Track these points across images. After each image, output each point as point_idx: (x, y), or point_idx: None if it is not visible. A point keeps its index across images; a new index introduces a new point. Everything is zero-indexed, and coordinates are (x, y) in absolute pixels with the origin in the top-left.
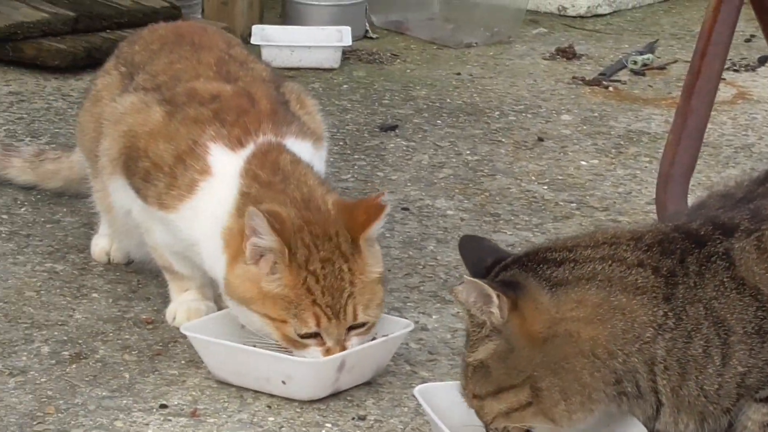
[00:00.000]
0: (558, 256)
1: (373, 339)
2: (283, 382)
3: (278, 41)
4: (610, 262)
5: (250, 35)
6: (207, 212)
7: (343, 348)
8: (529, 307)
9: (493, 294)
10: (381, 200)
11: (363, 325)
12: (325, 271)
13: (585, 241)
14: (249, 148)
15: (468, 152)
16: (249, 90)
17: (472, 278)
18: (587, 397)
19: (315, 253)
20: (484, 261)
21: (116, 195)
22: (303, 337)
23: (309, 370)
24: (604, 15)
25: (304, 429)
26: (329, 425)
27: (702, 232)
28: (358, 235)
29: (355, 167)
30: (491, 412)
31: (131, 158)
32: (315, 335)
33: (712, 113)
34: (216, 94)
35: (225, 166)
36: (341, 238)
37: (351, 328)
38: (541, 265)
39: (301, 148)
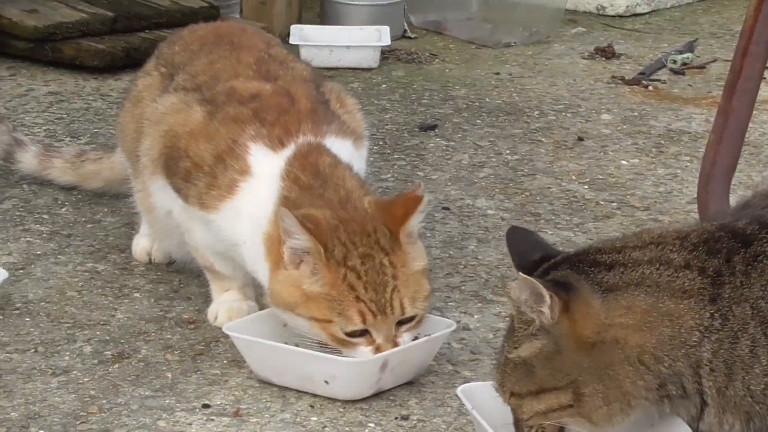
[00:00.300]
0: (608, 258)
1: (415, 339)
2: (326, 382)
3: (317, 41)
4: (657, 265)
5: (288, 35)
6: (247, 213)
7: (395, 344)
8: (581, 310)
9: (546, 294)
10: (418, 192)
11: (412, 318)
12: (365, 267)
13: (633, 241)
14: (290, 149)
15: (508, 152)
16: (289, 89)
17: (526, 276)
18: (628, 403)
19: (353, 250)
20: (530, 254)
21: (157, 195)
22: (351, 335)
23: (352, 370)
24: (643, 14)
25: (347, 429)
26: (372, 425)
27: (748, 231)
28: (397, 228)
29: (395, 167)
30: (529, 411)
31: (172, 158)
32: (364, 333)
33: (753, 112)
34: (255, 93)
35: (265, 167)
36: (380, 234)
37: (401, 324)
38: (593, 268)
39: (341, 147)
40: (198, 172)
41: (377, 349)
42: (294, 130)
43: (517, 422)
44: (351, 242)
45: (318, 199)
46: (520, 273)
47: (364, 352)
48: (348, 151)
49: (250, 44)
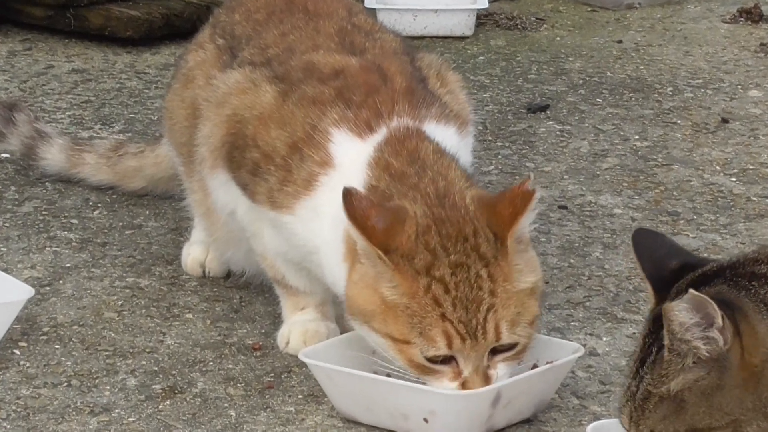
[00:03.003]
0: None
1: (534, 366)
2: (425, 420)
3: (398, 4)
4: None
5: None
6: (328, 212)
7: (486, 379)
8: (748, 334)
9: (718, 315)
10: (527, 186)
11: (512, 347)
12: (456, 279)
13: None
14: (380, 134)
15: (636, 137)
16: (380, 64)
17: (697, 293)
18: None
19: (443, 257)
20: (666, 262)
21: (218, 193)
22: (432, 361)
23: (457, 405)
24: None
25: None
26: None
27: None
28: (506, 232)
29: (499, 156)
30: None
31: (237, 148)
32: (449, 360)
33: None
34: (339, 69)
35: (350, 157)
36: (480, 239)
37: (496, 352)
38: (753, 283)
39: (444, 135)
40: (269, 165)
41: (463, 385)
42: (386, 112)
43: None
44: (442, 247)
45: (412, 190)
46: (691, 290)
47: (446, 384)
48: (452, 140)
49: (328, 11)
